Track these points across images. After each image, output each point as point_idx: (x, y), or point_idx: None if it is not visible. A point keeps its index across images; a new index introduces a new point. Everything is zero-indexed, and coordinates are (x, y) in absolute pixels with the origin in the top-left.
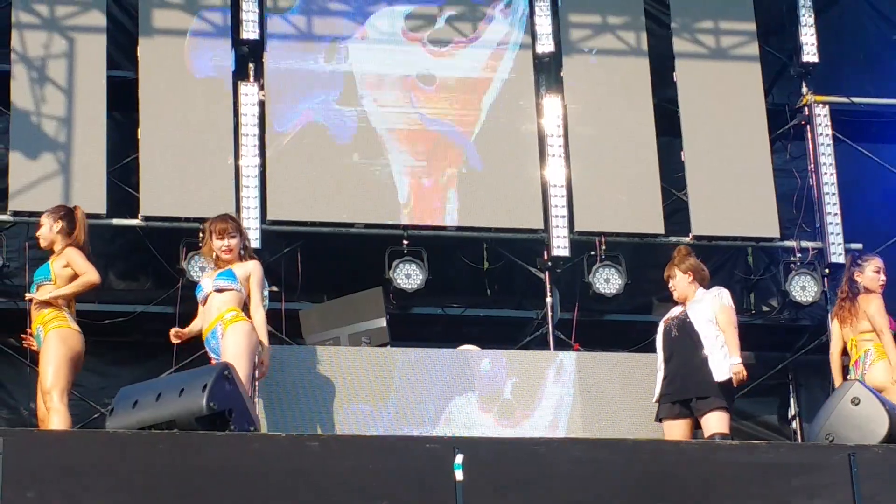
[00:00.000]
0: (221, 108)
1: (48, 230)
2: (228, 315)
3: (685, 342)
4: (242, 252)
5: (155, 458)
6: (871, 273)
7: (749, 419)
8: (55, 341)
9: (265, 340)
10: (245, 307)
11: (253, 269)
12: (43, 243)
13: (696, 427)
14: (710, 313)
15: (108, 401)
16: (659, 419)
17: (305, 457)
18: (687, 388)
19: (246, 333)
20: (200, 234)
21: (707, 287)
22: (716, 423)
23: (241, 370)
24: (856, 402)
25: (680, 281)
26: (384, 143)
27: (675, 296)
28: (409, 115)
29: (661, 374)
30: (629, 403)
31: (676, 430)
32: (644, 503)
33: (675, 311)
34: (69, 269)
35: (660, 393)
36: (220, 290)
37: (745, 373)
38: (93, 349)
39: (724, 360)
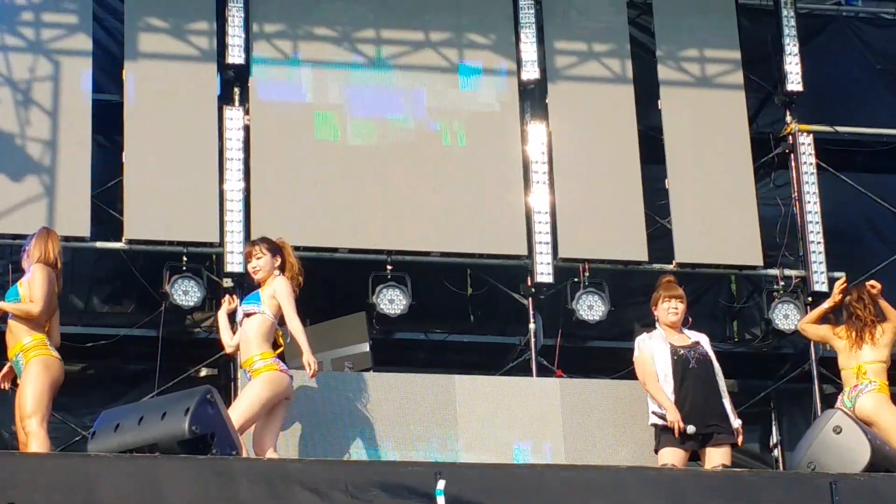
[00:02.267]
0: (206, 133)
1: (30, 257)
2: (258, 364)
3: (705, 375)
4: (278, 273)
5: (136, 482)
6: None
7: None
8: (37, 368)
9: (304, 346)
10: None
11: (276, 284)
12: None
13: (692, 459)
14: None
15: (89, 424)
16: (658, 448)
17: (287, 480)
18: (709, 422)
19: (267, 384)
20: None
21: None
22: (726, 456)
23: (248, 418)
24: (838, 430)
25: (685, 308)
26: (369, 168)
27: (675, 320)
28: (393, 141)
29: (673, 398)
30: (612, 430)
31: (675, 458)
32: None
33: (676, 341)
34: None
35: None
36: (248, 315)
37: None
38: (75, 372)
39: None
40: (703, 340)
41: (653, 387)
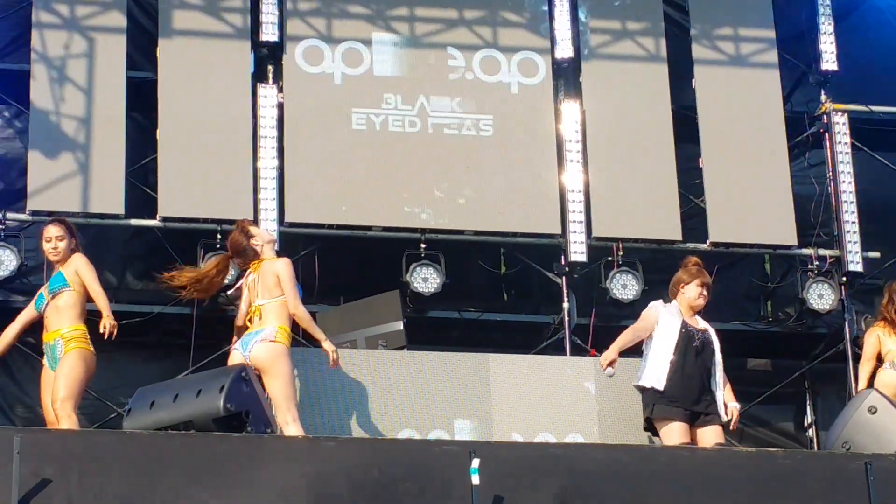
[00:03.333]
0: (240, 110)
1: (66, 246)
2: None
3: (707, 359)
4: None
5: (172, 459)
6: None
7: (765, 426)
8: (77, 360)
9: None
10: None
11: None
12: (58, 257)
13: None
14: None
15: (124, 400)
16: (656, 416)
17: (322, 458)
18: (700, 402)
19: None
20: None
21: None
22: (719, 434)
23: None
24: (873, 410)
25: (707, 297)
26: (403, 146)
27: (702, 304)
28: (428, 119)
29: (667, 368)
30: None
31: (684, 433)
32: None
33: (689, 321)
34: (77, 275)
35: (669, 393)
36: None
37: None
38: (110, 349)
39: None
40: (711, 330)
41: (625, 333)
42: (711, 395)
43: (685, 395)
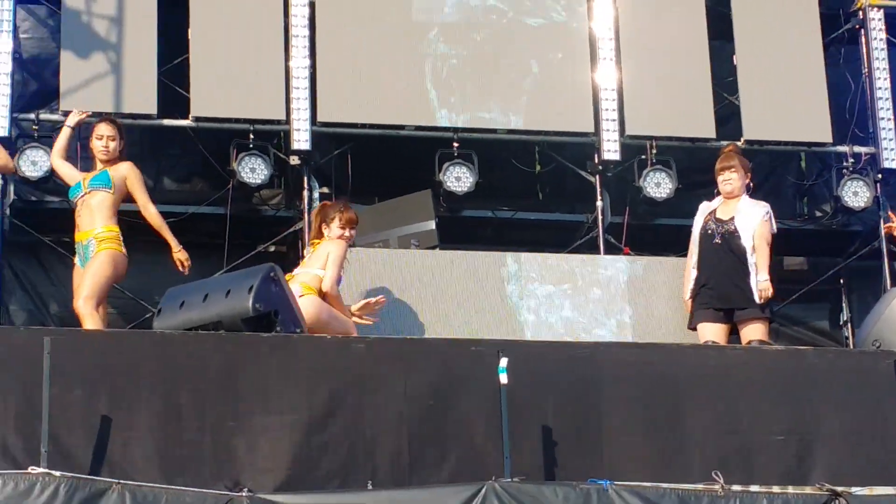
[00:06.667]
0: (271, 9)
1: (116, 147)
2: None
3: (729, 254)
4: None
5: (201, 359)
6: None
7: (800, 324)
8: (106, 261)
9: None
10: None
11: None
12: (107, 156)
13: (731, 333)
14: (754, 232)
15: (158, 300)
16: (693, 325)
17: (351, 359)
18: (730, 299)
19: None
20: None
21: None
22: (756, 332)
23: None
24: None
25: (739, 178)
26: (436, 43)
27: (729, 190)
28: (459, 18)
29: (694, 274)
30: (678, 307)
31: (713, 333)
32: (690, 406)
33: (721, 212)
34: (123, 182)
35: (695, 298)
36: None
37: (771, 290)
38: (144, 249)
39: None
40: (750, 214)
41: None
42: (742, 289)
43: (712, 297)
